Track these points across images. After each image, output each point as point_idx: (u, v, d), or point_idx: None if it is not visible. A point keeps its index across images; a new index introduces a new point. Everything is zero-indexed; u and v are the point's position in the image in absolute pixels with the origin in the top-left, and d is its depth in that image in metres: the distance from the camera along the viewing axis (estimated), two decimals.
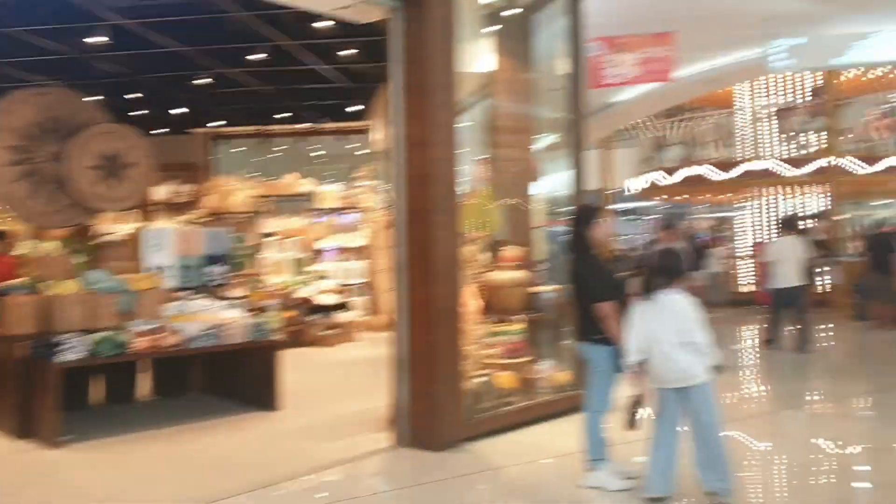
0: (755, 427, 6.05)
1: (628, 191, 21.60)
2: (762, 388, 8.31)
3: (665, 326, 4.04)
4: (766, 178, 16.22)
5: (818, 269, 14.17)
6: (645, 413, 4.23)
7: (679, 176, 17.63)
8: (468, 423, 5.47)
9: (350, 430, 5.85)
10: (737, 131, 17.44)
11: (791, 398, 7.52)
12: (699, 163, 17.26)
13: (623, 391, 4.36)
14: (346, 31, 12.84)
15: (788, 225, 10.55)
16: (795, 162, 15.99)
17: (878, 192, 18.87)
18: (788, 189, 17.32)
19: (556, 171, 7.28)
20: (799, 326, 9.65)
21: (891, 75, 16.34)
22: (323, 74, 18.79)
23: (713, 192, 18.87)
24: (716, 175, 16.84)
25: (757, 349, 10.55)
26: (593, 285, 4.48)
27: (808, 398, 7.77)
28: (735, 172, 16.50)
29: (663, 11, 9.24)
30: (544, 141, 7.72)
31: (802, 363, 9.22)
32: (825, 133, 14.86)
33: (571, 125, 6.76)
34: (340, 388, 7.81)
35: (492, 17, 7.37)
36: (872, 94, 18.03)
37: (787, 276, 9.63)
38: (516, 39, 7.31)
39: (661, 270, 4.16)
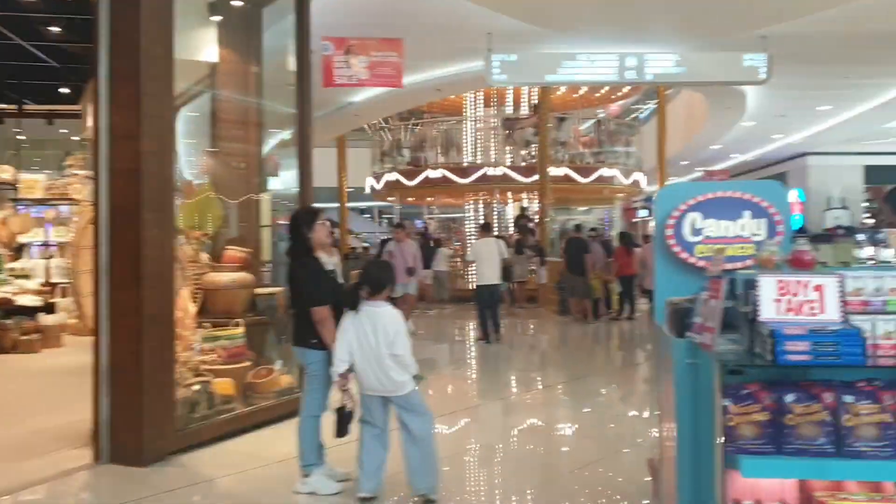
0: (461, 419, 6.44)
1: (367, 189, 21.99)
2: (470, 381, 8.85)
3: (371, 337, 4.11)
4: (494, 184, 17.48)
5: (531, 268, 15.59)
6: (354, 418, 4.27)
7: (413, 177, 18.36)
8: (180, 435, 5.17)
9: (48, 447, 5.28)
10: (469, 138, 18.51)
11: (495, 389, 8.14)
12: (434, 166, 18.09)
13: (336, 396, 4.37)
14: (52, 6, 11.62)
15: (486, 228, 12.00)
16: (521, 170, 17.39)
17: (585, 200, 21.09)
18: (513, 194, 18.80)
19: (287, 168, 7.19)
20: (494, 320, 10.73)
21: (596, 94, 18.32)
22: (31, 51, 16.90)
23: (446, 195, 19.88)
24: (449, 178, 17.80)
25: (470, 344, 11.29)
26: (310, 289, 4.43)
27: (512, 388, 8.40)
28: (469, 177, 17.56)
29: (392, 17, 9.53)
30: (275, 137, 7.59)
31: (507, 355, 10.04)
32: (540, 144, 16.21)
33: (298, 122, 6.67)
34: (40, 399, 7.05)
35: (218, 6, 7.09)
36: (582, 109, 20.12)
37: (486, 274, 10.68)
38: (244, 31, 7.10)
39: (368, 281, 4.22)
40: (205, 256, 6.48)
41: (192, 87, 6.91)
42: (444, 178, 17.76)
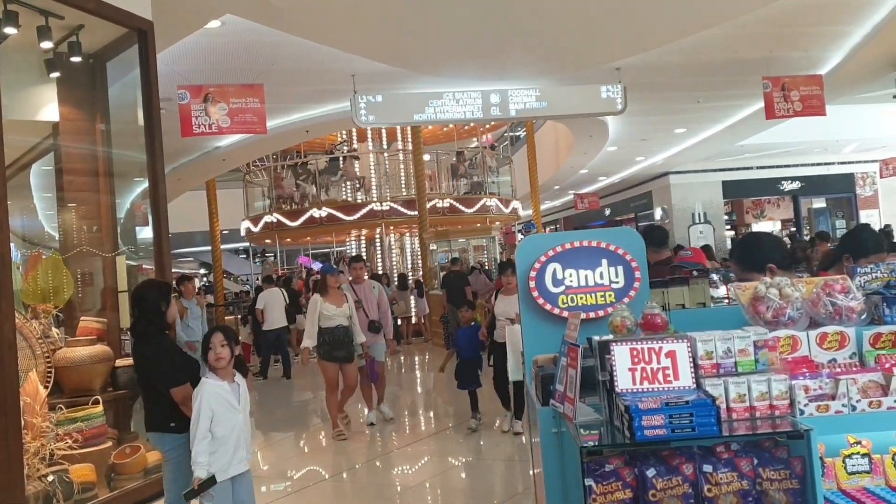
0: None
1: (242, 232, 21.42)
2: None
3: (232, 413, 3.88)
4: (381, 219, 17.47)
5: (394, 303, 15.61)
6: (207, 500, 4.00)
7: (296, 217, 18.13)
8: None
9: None
10: (351, 175, 18.41)
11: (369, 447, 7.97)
12: (316, 205, 17.91)
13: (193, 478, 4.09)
14: None
15: (268, 279, 13.72)
16: (407, 204, 17.43)
17: (465, 231, 21.33)
18: (397, 229, 18.79)
19: (143, 224, 6.82)
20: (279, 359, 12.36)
21: (464, 128, 18.62)
22: None
23: (329, 234, 19.66)
24: (335, 216, 17.71)
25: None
26: (166, 369, 4.14)
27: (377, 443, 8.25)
28: (354, 215, 17.50)
29: (252, 62, 9.29)
30: (130, 191, 7.21)
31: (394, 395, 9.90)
32: (417, 178, 16.25)
33: (149, 177, 6.31)
34: None
35: (56, 63, 6.67)
36: (450, 143, 20.42)
37: (273, 320, 12.49)
38: (88, 86, 6.70)
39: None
40: (56, 331, 6.00)
41: (32, 149, 6.46)
42: (330, 217, 17.63)
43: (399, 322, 15.31)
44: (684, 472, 2.29)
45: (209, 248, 20.62)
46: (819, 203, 23.30)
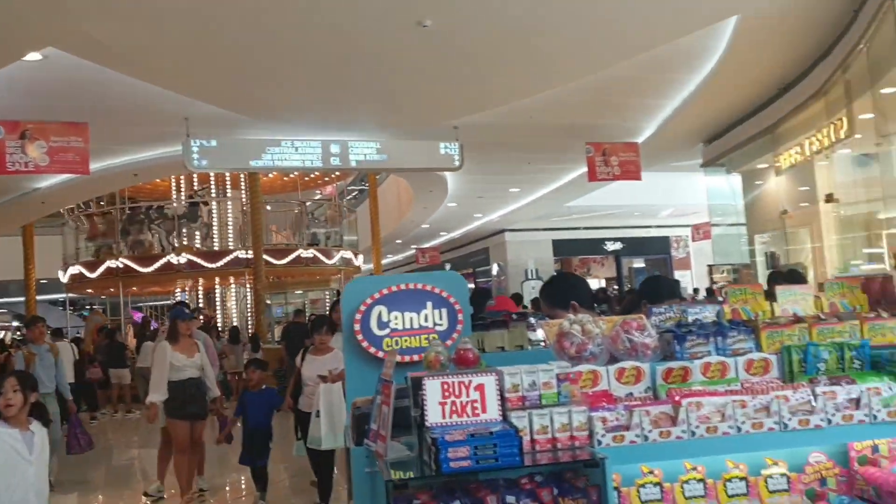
0: None
1: (64, 279, 20.05)
2: None
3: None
4: (191, 271, 16.94)
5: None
6: None
7: (95, 269, 17.47)
8: None
9: None
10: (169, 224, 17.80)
11: None
12: (116, 255, 17.33)
13: None
14: None
15: (57, 332, 12.69)
16: (214, 256, 17.03)
17: (302, 283, 21.02)
18: (211, 279, 18.28)
19: None
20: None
21: (306, 178, 18.51)
22: None
23: (140, 284, 18.88)
24: (131, 268, 17.14)
25: None
26: None
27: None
28: (151, 266, 16.94)
29: (78, 99, 8.82)
30: None
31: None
32: (253, 227, 15.89)
33: None
34: None
35: None
36: (294, 192, 20.22)
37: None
38: None
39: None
40: None
41: None
42: (127, 268, 17.05)
43: (228, 377, 14.71)
44: None
45: (23, 298, 19.10)
46: (639, 263, 25.01)
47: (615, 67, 9.00)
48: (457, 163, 11.32)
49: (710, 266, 17.01)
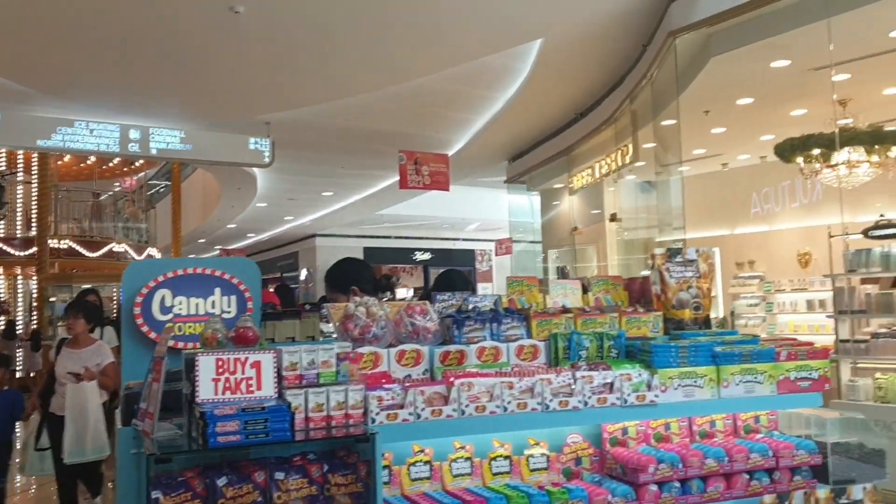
0: None
1: None
2: None
3: None
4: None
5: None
6: None
7: None
8: None
9: None
10: None
11: None
12: None
13: None
14: None
15: None
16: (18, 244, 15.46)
17: (94, 276, 19.55)
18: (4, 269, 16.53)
19: None
20: None
21: (104, 165, 17.30)
22: None
23: None
24: None
25: None
26: None
27: None
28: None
29: None
30: None
31: None
32: (40, 215, 14.62)
33: None
34: None
35: None
36: (93, 180, 18.83)
37: None
38: None
39: None
40: None
41: None
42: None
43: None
44: (256, 480, 2.28)
45: None
46: None
47: (430, 78, 9.22)
48: (267, 159, 11.06)
49: (509, 279, 17.81)
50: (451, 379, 2.64)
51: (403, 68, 8.94)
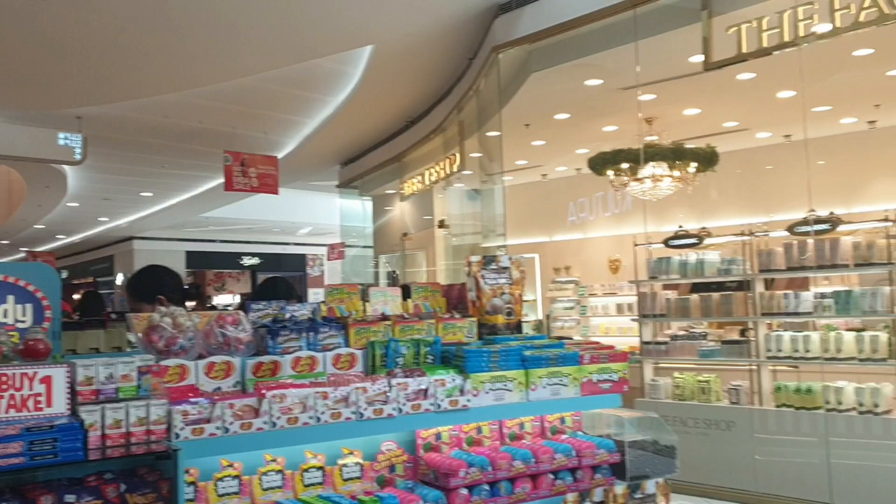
0: None
1: None
2: None
3: None
4: None
5: None
6: None
7: None
8: None
9: None
10: None
11: None
12: None
13: None
14: None
15: None
16: None
17: None
18: None
19: None
20: None
21: None
22: None
23: None
24: None
25: None
26: None
27: None
28: None
29: None
30: None
31: None
32: None
33: None
34: None
35: None
36: None
37: None
38: None
39: None
40: None
41: None
42: None
43: None
44: None
45: None
46: None
47: (259, 78, 8.99)
48: (78, 156, 10.31)
49: (328, 287, 17.69)
50: (263, 391, 2.57)
51: (227, 67, 8.65)
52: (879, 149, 9.83)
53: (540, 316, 12.32)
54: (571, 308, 12.33)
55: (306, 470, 2.64)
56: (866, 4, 5.27)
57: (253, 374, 2.75)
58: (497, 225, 9.16)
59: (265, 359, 2.78)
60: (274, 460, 2.60)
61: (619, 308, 11.60)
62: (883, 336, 5.95)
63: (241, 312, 2.91)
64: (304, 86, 9.70)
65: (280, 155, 12.48)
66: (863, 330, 6.18)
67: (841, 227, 6.23)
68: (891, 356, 5.85)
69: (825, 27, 5.49)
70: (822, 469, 5.98)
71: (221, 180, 12.46)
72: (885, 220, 5.91)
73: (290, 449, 2.61)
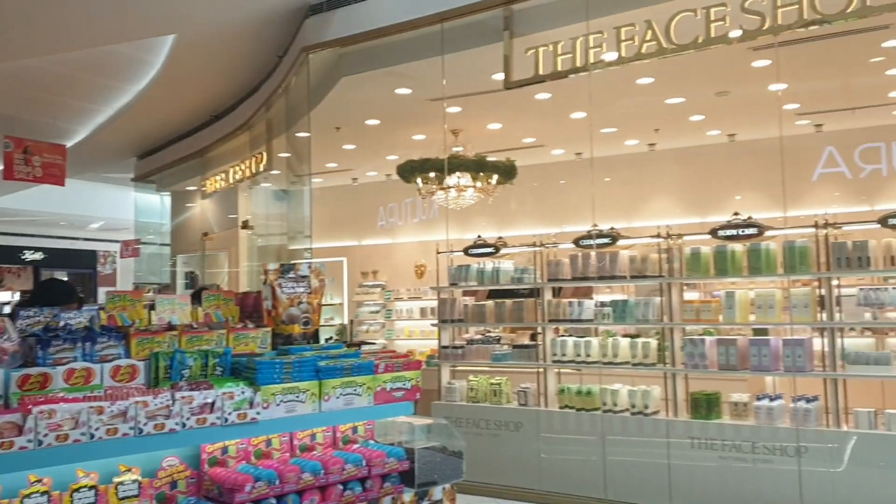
0: None
1: None
2: None
3: None
4: None
5: None
6: None
7: None
8: None
9: None
10: None
11: None
12: None
13: None
14: None
15: None
16: None
17: None
18: None
19: None
20: None
21: None
22: None
23: None
24: None
25: None
26: None
27: None
28: None
29: None
30: None
31: None
32: None
33: None
34: None
35: None
36: None
37: None
38: None
39: None
40: None
41: None
42: None
43: None
44: None
45: None
46: (61, 276, 23.15)
47: (48, 60, 8.28)
48: None
49: (135, 285, 16.67)
50: (30, 406, 2.38)
51: (11, 47, 7.90)
52: (658, 169, 10.80)
53: (345, 320, 12.31)
54: (377, 312, 12.44)
55: (76, 490, 2.47)
56: (648, 38, 5.80)
57: (19, 387, 2.53)
58: (304, 227, 9.06)
59: (33, 371, 2.57)
60: (39, 481, 2.41)
61: (423, 312, 11.87)
62: (653, 342, 6.53)
63: (7, 319, 2.67)
64: (98, 71, 9.06)
65: (69, 143, 11.56)
66: (637, 336, 6.74)
67: (620, 242, 6.76)
68: (660, 361, 6.43)
69: (612, 55, 5.97)
70: (598, 466, 6.45)
71: (0, 168, 11.36)
72: (658, 236, 6.49)
73: (59, 468, 2.43)
